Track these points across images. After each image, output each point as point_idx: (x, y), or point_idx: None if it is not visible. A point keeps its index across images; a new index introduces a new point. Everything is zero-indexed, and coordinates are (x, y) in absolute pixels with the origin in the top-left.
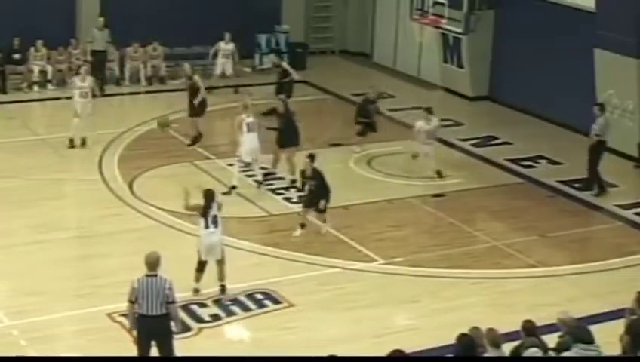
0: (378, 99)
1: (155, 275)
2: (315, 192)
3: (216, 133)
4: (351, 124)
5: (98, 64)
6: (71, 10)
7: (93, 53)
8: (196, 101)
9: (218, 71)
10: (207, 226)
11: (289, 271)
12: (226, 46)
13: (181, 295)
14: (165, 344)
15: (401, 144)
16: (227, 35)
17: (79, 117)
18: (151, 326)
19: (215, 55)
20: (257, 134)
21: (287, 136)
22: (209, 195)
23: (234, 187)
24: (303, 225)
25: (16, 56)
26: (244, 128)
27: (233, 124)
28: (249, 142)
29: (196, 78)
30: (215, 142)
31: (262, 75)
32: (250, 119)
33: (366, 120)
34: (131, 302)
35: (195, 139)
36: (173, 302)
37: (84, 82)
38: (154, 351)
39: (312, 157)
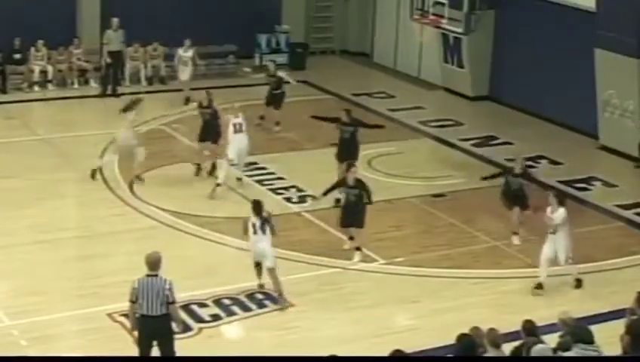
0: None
1: (156, 275)
2: (355, 203)
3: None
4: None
5: (115, 65)
6: (71, 10)
7: (110, 54)
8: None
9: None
10: (254, 232)
11: (289, 271)
12: (184, 53)
13: (181, 295)
14: (166, 344)
15: (401, 144)
16: (187, 42)
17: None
18: (151, 326)
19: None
20: (246, 135)
21: (347, 149)
22: (256, 206)
23: (239, 179)
24: (350, 237)
25: (17, 56)
26: (231, 128)
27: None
28: (237, 143)
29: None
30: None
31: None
32: (238, 120)
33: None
34: (132, 302)
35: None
36: (173, 303)
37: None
38: (154, 351)
39: (351, 165)
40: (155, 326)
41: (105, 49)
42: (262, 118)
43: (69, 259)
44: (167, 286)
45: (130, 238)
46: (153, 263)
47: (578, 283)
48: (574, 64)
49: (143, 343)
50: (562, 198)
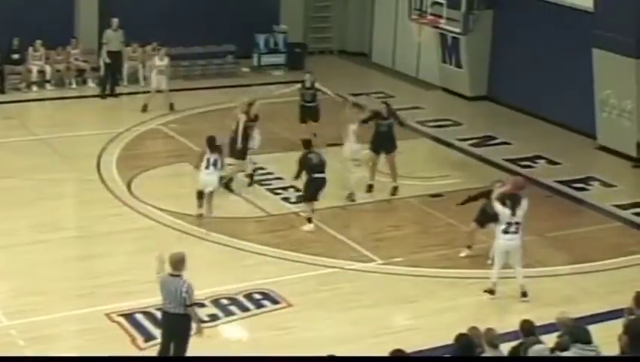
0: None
1: (178, 276)
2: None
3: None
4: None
5: (114, 65)
6: (69, 10)
7: (109, 54)
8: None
9: (154, 85)
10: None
11: (288, 271)
12: (160, 62)
13: None
14: (179, 344)
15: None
16: (162, 51)
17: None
18: (167, 323)
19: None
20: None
21: (383, 141)
22: (211, 142)
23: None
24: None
25: (15, 56)
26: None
27: (233, 123)
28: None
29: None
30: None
31: (261, 75)
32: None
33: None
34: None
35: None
36: (190, 306)
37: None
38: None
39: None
40: (171, 324)
41: (104, 49)
42: (315, 135)
43: (68, 258)
44: (184, 289)
45: (129, 238)
46: (175, 263)
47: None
48: (572, 64)
49: (162, 336)
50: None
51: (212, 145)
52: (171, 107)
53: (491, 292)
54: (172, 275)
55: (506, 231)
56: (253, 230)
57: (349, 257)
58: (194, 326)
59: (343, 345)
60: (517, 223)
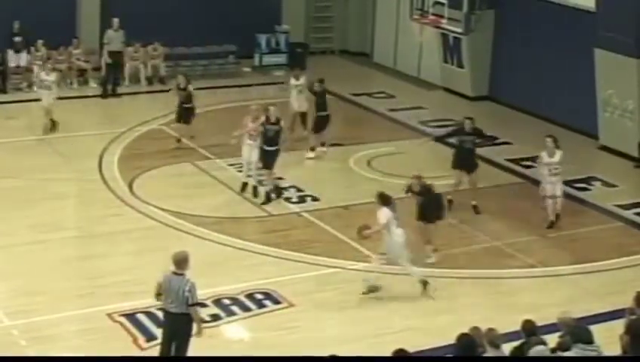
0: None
1: (181, 274)
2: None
3: (215, 133)
4: (351, 124)
5: (115, 65)
6: (71, 10)
7: (110, 54)
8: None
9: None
10: None
11: (289, 271)
12: (47, 77)
13: None
14: (181, 343)
15: (401, 144)
16: (48, 65)
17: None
18: (169, 322)
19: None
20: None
21: (465, 158)
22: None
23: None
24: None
25: (17, 39)
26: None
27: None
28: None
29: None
30: (214, 142)
31: (263, 75)
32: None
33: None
34: (157, 294)
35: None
36: (193, 305)
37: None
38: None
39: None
40: (173, 323)
41: (105, 49)
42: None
43: (69, 259)
44: (187, 288)
45: (130, 238)
46: (178, 261)
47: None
48: (574, 64)
49: (163, 336)
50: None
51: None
52: (52, 125)
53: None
54: (175, 273)
55: None
56: (255, 230)
57: (350, 257)
58: (194, 326)
59: (345, 344)
60: None
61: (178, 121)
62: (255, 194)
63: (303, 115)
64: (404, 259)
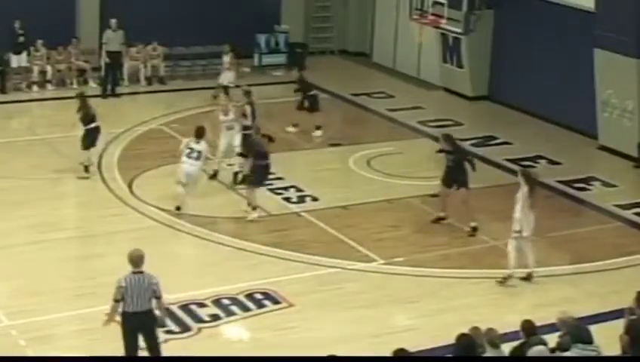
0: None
1: (142, 272)
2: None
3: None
4: (351, 124)
5: (113, 65)
6: (70, 10)
7: (109, 54)
8: None
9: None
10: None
11: (288, 271)
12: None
13: (179, 295)
14: (152, 336)
15: (400, 144)
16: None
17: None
18: (138, 322)
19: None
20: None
21: (454, 174)
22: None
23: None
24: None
25: (21, 39)
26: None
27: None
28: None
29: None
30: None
31: (262, 75)
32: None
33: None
34: (117, 301)
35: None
36: (160, 298)
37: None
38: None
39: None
40: (142, 321)
41: (104, 49)
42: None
43: (68, 258)
44: (155, 281)
45: (129, 238)
46: (137, 260)
47: None
48: (573, 64)
49: (129, 338)
50: None
51: (200, 135)
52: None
53: None
54: (135, 273)
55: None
56: (255, 230)
57: (350, 257)
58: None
59: (344, 344)
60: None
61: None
62: (235, 180)
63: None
64: None
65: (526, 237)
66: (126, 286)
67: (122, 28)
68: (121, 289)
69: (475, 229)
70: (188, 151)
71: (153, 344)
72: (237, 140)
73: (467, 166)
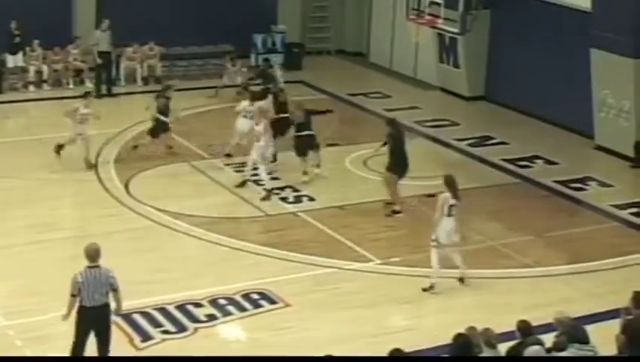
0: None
1: (98, 266)
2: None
3: (214, 133)
4: (348, 124)
5: (105, 65)
6: (67, 10)
7: (100, 54)
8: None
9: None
10: None
11: (285, 271)
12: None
13: (176, 295)
14: (106, 332)
15: None
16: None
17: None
18: (94, 316)
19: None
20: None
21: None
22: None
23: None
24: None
25: (17, 40)
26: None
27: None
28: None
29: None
30: (211, 141)
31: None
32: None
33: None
34: (73, 295)
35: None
36: (117, 290)
37: None
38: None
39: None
40: (97, 316)
41: (94, 50)
42: None
43: (65, 259)
44: (112, 274)
45: (126, 238)
46: (93, 255)
47: None
48: (570, 64)
49: (82, 333)
50: None
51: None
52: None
53: None
54: (92, 267)
55: None
56: (251, 230)
57: (346, 257)
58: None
59: (341, 344)
60: None
61: None
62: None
63: None
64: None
65: (444, 244)
66: (82, 281)
67: (116, 28)
68: (77, 284)
69: (395, 212)
70: (244, 113)
71: (105, 339)
72: (268, 151)
73: (399, 151)
